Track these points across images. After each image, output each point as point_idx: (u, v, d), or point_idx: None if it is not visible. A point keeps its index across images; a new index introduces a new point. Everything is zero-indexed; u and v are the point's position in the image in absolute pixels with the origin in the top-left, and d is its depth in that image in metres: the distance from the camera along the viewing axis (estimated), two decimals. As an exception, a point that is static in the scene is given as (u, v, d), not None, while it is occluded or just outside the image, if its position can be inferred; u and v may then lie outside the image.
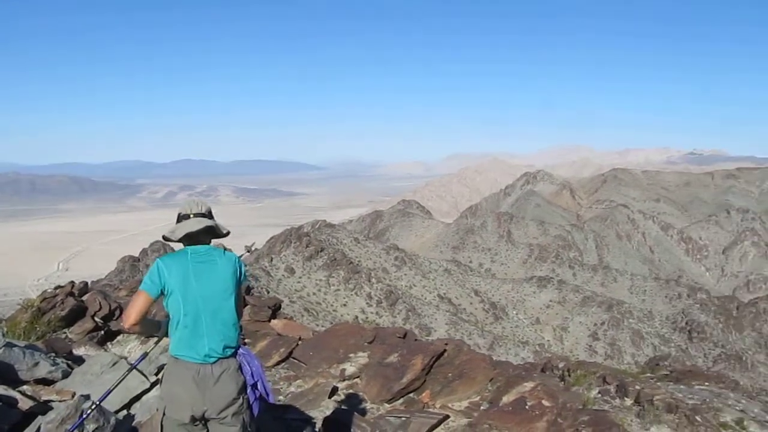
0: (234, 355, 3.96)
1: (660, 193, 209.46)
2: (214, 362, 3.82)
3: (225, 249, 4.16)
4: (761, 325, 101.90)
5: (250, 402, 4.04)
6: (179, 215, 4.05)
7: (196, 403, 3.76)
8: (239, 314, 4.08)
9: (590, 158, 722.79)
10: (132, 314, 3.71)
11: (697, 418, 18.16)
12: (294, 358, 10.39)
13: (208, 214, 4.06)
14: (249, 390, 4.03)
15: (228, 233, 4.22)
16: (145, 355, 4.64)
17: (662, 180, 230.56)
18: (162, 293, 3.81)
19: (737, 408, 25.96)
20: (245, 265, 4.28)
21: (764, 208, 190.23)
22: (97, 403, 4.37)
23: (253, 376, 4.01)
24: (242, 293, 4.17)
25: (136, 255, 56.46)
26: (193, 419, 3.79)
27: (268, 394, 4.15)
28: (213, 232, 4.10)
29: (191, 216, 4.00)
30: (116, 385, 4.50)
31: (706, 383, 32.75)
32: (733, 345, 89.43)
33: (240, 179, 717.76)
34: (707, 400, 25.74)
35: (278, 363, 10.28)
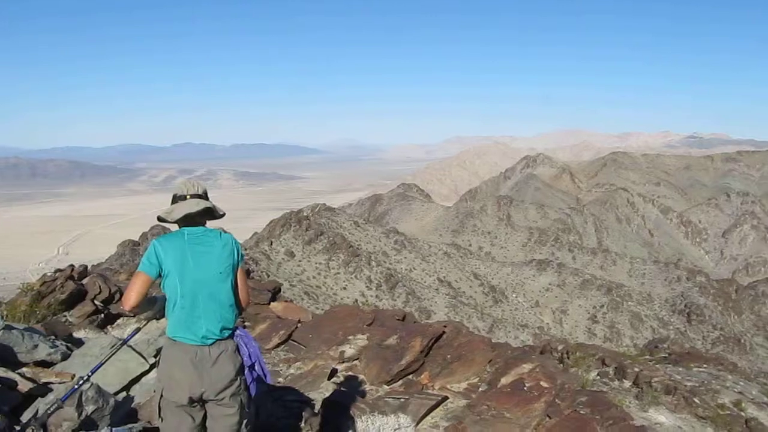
0: (231, 336, 3.95)
1: (660, 177, 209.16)
2: (212, 344, 3.81)
3: (222, 231, 4.14)
4: (760, 308, 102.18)
5: (248, 383, 4.05)
6: (175, 196, 3.99)
7: (194, 385, 3.75)
8: (242, 296, 4.08)
9: (590, 142, 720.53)
10: (132, 296, 3.67)
11: (695, 399, 18.31)
12: (293, 340, 10.43)
13: (205, 195, 4.02)
14: (246, 371, 4.04)
15: (224, 214, 4.18)
16: (137, 330, 4.61)
17: (662, 163, 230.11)
18: (160, 274, 3.78)
19: (735, 390, 26.10)
20: (243, 248, 4.25)
21: (764, 192, 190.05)
22: (89, 374, 4.34)
23: (250, 357, 4.01)
24: (243, 275, 4.11)
25: (136, 239, 56.47)
26: (191, 401, 3.79)
27: (265, 375, 4.16)
28: (210, 214, 4.05)
29: (188, 197, 3.95)
30: (108, 358, 4.47)
31: (705, 365, 32.95)
32: (731, 328, 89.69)
33: (240, 163, 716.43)
34: (705, 382, 25.90)
35: (278, 345, 10.32)
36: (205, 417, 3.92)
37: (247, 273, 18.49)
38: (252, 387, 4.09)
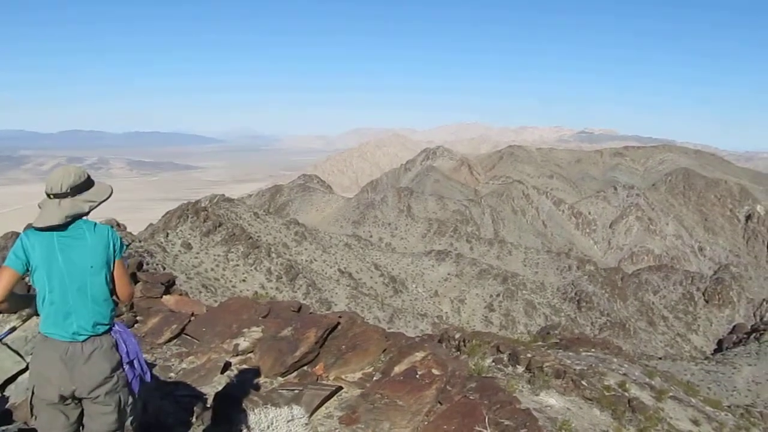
0: (107, 332, 3.80)
1: (553, 170, 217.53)
2: (84, 340, 3.66)
3: (97, 223, 3.91)
4: (643, 295, 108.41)
5: (129, 380, 3.91)
6: (46, 193, 3.70)
7: (64, 383, 3.61)
8: (121, 291, 3.89)
9: (488, 135, 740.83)
10: None
11: (583, 382, 19.26)
12: (186, 334, 10.20)
13: (73, 190, 3.67)
14: (128, 368, 3.91)
15: (108, 196, 3.85)
16: (13, 329, 4.38)
17: (555, 157, 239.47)
18: (28, 269, 3.59)
19: (620, 372, 27.67)
20: (123, 240, 4.03)
21: (648, 185, 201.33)
22: None
23: (128, 354, 3.87)
24: (122, 269, 3.89)
25: (20, 231, 53.58)
26: (63, 399, 3.65)
27: (144, 373, 4.03)
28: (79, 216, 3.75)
29: (51, 196, 3.65)
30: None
31: (593, 350, 34.70)
32: (617, 313, 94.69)
33: (134, 152, 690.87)
34: (593, 365, 27.31)
35: (170, 340, 10.06)
36: (82, 414, 3.79)
37: (140, 266, 17.87)
38: (134, 384, 3.96)
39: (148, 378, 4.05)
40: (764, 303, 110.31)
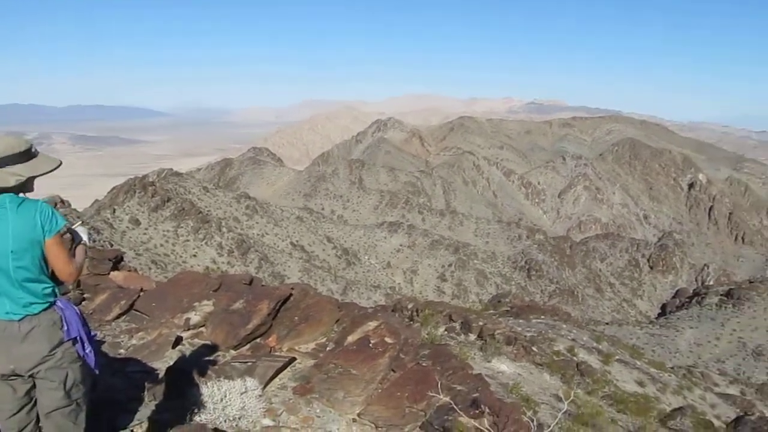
0: (47, 309, 3.70)
1: (503, 141, 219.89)
2: (21, 319, 3.56)
3: (27, 199, 3.67)
4: (591, 262, 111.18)
5: (80, 355, 3.84)
6: None
7: (1, 361, 3.55)
8: (60, 269, 3.69)
9: (439, 107, 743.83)
10: None
11: (534, 348, 19.70)
12: (136, 310, 10.04)
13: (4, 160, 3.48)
14: (78, 345, 3.83)
15: (47, 171, 3.62)
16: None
17: (505, 128, 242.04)
18: None
19: (569, 337, 28.32)
20: (60, 216, 3.80)
21: (595, 155, 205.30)
22: None
23: (69, 333, 3.78)
24: (58, 246, 3.65)
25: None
26: (4, 376, 3.59)
27: (86, 351, 3.92)
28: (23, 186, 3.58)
29: None
30: None
31: (543, 317, 35.40)
32: (566, 281, 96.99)
33: (77, 126, 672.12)
34: (543, 331, 27.89)
35: (119, 316, 9.89)
36: (33, 387, 3.74)
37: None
38: (89, 359, 3.89)
39: (90, 359, 3.94)
40: (705, 268, 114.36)
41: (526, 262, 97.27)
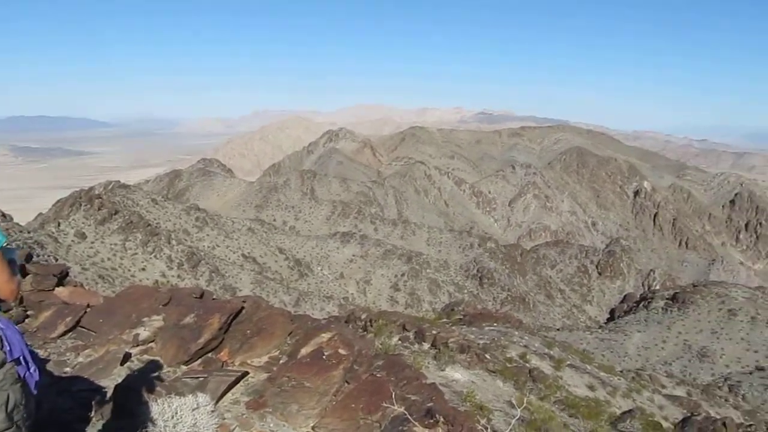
0: None
1: (454, 150, 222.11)
2: None
3: None
4: (541, 269, 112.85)
5: (21, 376, 3.71)
6: None
7: None
8: (4, 289, 3.58)
9: (390, 117, 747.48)
10: None
11: (487, 355, 19.84)
12: (82, 326, 9.77)
13: None
14: (22, 365, 3.70)
15: None
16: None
17: (456, 138, 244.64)
18: None
19: (521, 344, 28.63)
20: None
21: (544, 164, 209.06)
22: None
23: (11, 353, 3.65)
24: (2, 262, 3.57)
25: None
26: None
27: (31, 371, 3.79)
28: None
29: None
30: None
31: (495, 324, 35.73)
32: (517, 288, 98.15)
33: (19, 137, 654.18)
34: (496, 338, 28.15)
35: (65, 333, 9.62)
36: None
37: (29, 258, 16.94)
38: (30, 380, 3.76)
39: (34, 379, 3.82)
40: (651, 273, 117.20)
41: (478, 271, 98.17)
